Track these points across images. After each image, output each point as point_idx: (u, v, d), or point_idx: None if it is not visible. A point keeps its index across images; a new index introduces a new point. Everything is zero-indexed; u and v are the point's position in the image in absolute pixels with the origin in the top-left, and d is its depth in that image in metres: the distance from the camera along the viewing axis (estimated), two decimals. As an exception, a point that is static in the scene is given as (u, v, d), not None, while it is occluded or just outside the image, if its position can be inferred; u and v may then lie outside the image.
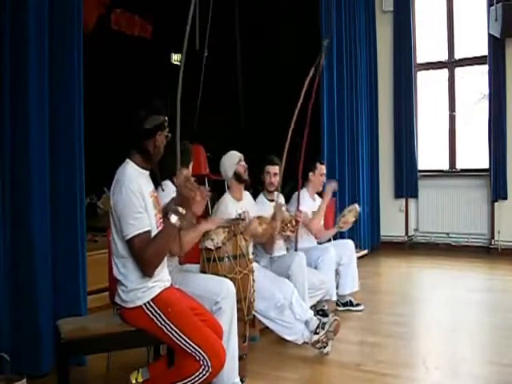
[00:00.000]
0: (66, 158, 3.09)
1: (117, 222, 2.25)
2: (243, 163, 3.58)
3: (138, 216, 2.21)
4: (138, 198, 2.23)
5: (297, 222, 3.90)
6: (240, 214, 3.40)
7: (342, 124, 6.23)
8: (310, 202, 4.40)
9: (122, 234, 2.23)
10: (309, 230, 4.30)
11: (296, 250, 4.17)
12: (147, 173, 2.40)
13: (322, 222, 4.44)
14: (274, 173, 3.90)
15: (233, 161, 3.57)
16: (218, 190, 3.71)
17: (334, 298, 4.19)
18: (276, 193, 3.89)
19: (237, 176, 3.56)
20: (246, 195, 3.70)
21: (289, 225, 3.80)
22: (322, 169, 4.48)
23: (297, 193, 4.26)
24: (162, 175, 2.82)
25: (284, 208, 3.85)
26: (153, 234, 2.27)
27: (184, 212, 2.23)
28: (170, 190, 2.77)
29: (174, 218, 2.22)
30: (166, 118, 2.35)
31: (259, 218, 3.35)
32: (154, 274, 2.27)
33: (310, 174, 4.44)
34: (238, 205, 3.52)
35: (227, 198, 3.54)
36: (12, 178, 2.86)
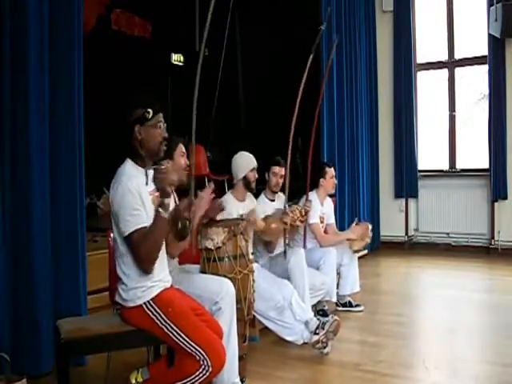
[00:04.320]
0: (66, 158, 3.09)
1: (115, 219, 2.26)
2: (255, 172, 3.59)
3: (135, 213, 2.21)
4: (135, 195, 2.23)
5: (306, 212, 3.90)
6: (242, 215, 3.40)
7: (341, 124, 6.22)
8: (318, 207, 4.39)
9: (120, 232, 2.24)
10: (315, 238, 4.30)
11: (304, 246, 4.15)
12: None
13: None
14: (281, 174, 3.90)
15: (247, 165, 3.57)
16: (217, 189, 3.69)
17: (334, 299, 4.19)
18: (279, 193, 3.90)
19: (245, 182, 3.56)
20: (249, 196, 3.69)
21: (298, 214, 3.79)
22: (331, 171, 4.50)
23: (308, 192, 4.27)
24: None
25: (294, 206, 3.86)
26: None
27: (167, 201, 2.24)
28: None
29: (161, 211, 2.23)
30: (149, 110, 2.30)
31: (267, 217, 3.36)
32: (152, 270, 2.26)
33: (321, 180, 4.44)
34: (240, 205, 3.52)
35: (229, 197, 3.54)
36: (12, 177, 2.86)
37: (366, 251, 6.63)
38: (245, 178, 3.56)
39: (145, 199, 2.27)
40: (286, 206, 3.68)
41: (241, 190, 3.59)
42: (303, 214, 3.84)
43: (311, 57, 3.76)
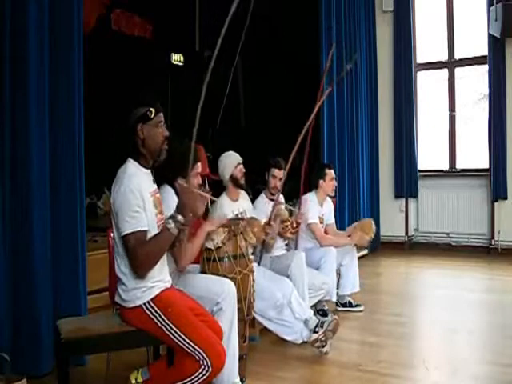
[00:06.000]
0: (66, 158, 3.08)
1: (115, 218, 2.25)
2: (241, 167, 3.56)
3: (135, 214, 2.20)
4: (136, 196, 2.21)
5: (298, 224, 3.90)
6: (237, 214, 3.41)
7: (341, 124, 6.22)
8: (317, 208, 4.38)
9: (119, 231, 2.23)
10: (315, 239, 4.30)
11: (296, 248, 4.16)
12: (149, 172, 2.39)
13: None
14: (280, 178, 3.90)
15: (231, 163, 3.55)
16: (217, 190, 3.70)
17: (334, 299, 4.19)
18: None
19: (233, 180, 3.55)
20: (242, 195, 3.68)
21: (289, 226, 3.80)
22: (331, 173, 4.46)
23: (302, 197, 4.26)
24: (168, 176, 2.79)
25: (283, 206, 3.85)
26: (153, 233, 2.26)
27: (183, 220, 2.22)
28: (168, 194, 2.76)
29: (171, 225, 2.21)
30: (151, 109, 2.29)
31: (253, 219, 3.34)
32: (145, 275, 2.25)
33: (321, 181, 4.42)
34: (234, 205, 3.52)
35: (223, 199, 3.53)
36: (12, 177, 2.85)
37: (366, 251, 6.64)
38: (232, 176, 3.54)
39: (146, 200, 2.26)
40: (272, 217, 3.63)
41: (232, 190, 3.58)
42: (294, 226, 3.84)
43: (327, 91, 3.74)
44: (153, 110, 2.30)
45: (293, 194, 4.49)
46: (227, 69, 7.01)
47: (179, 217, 2.21)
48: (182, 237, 2.45)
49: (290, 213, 3.96)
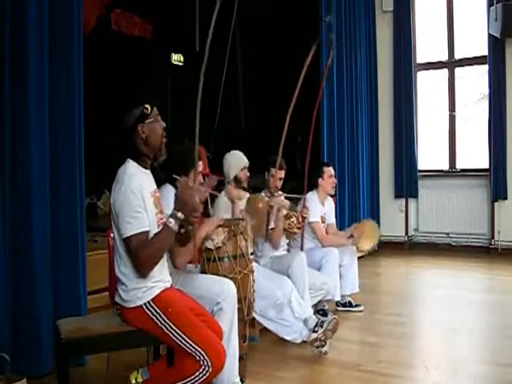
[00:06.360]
0: (66, 158, 3.09)
1: (115, 219, 2.25)
2: (246, 171, 3.57)
3: (136, 215, 2.19)
4: (137, 196, 2.21)
5: (303, 218, 3.90)
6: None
7: (341, 124, 6.23)
8: (319, 207, 4.38)
9: (120, 233, 2.23)
10: (316, 239, 4.29)
11: (302, 248, 4.15)
12: (149, 171, 2.39)
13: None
14: (280, 177, 3.90)
15: (238, 165, 3.56)
16: (217, 189, 3.71)
17: (338, 298, 4.18)
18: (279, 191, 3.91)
19: (237, 181, 3.55)
20: (245, 195, 3.68)
21: (295, 221, 3.79)
22: (329, 171, 4.45)
23: (305, 196, 4.26)
24: (169, 175, 2.80)
25: (282, 197, 3.84)
26: (154, 233, 2.27)
27: (183, 217, 2.22)
28: (168, 193, 2.76)
29: (171, 223, 2.21)
30: (147, 106, 2.27)
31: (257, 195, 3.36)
32: (148, 274, 2.25)
33: (320, 180, 4.41)
34: (234, 205, 3.52)
35: (223, 198, 3.53)
36: (12, 177, 2.86)
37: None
38: (236, 177, 3.55)
39: (146, 200, 2.25)
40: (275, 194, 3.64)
41: (233, 189, 3.59)
42: (300, 220, 3.84)
43: (313, 48, 3.72)
44: (148, 106, 2.29)
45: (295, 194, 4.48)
46: (222, 53, 6.99)
47: (179, 214, 2.22)
48: (192, 231, 2.46)
49: (291, 200, 3.94)
